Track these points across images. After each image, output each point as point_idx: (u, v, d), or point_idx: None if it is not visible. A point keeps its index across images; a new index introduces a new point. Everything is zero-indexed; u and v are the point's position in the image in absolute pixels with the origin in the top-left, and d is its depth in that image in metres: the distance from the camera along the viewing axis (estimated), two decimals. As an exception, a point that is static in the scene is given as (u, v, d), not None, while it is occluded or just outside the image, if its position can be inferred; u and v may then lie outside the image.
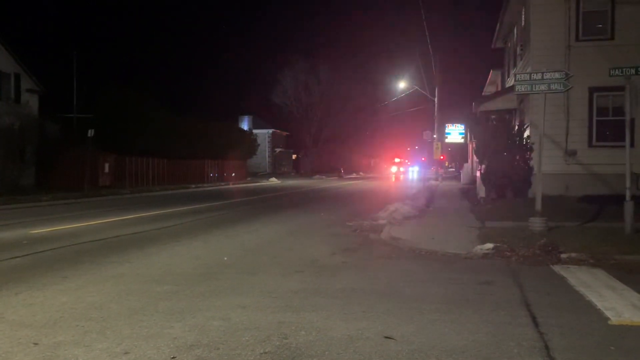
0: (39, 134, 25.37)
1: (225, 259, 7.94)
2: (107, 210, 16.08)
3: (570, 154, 15.24)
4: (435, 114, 38.81)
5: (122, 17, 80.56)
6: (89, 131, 25.01)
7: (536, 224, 9.82)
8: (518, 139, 15.56)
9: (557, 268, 7.16)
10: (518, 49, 18.91)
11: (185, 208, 16.97)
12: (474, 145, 20.31)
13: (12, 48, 25.39)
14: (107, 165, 28.09)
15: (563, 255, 7.65)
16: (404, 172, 72.78)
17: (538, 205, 10.11)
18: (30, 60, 27.09)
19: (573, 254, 7.65)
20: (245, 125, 61.34)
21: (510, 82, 20.58)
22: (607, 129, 15.19)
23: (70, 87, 35.01)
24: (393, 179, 50.90)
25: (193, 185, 34.21)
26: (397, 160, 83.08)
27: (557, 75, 10.28)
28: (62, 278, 6.51)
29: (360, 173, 69.54)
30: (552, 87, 10.25)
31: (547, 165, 13.44)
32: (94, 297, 5.61)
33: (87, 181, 25.11)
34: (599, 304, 5.35)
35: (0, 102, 23.87)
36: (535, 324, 4.71)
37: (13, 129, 23.40)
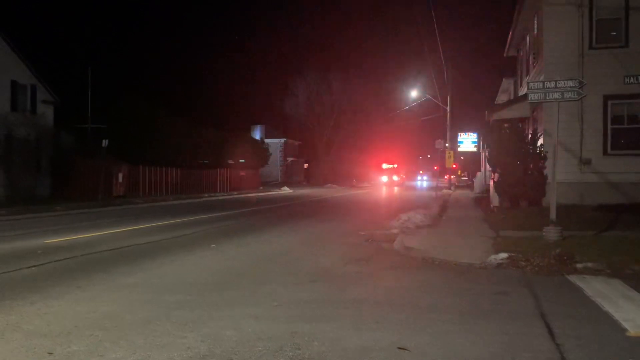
0: (54, 145, 25.69)
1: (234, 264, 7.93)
2: (120, 219, 16.18)
3: (585, 162, 15.08)
4: (448, 122, 38.70)
5: (135, 27, 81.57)
6: (103, 141, 25.27)
7: (551, 233, 9.71)
8: (531, 147, 15.45)
9: (573, 278, 7.07)
10: (531, 58, 18.83)
11: (197, 217, 17.03)
12: (487, 153, 20.22)
13: (29, 60, 25.79)
14: (120, 175, 28.32)
15: (579, 265, 7.55)
16: (402, 181, 63.68)
17: (552, 215, 10.00)
18: (45, 71, 27.51)
19: (589, 264, 7.54)
20: (257, 135, 61.61)
21: (523, 90, 20.47)
22: (623, 137, 15.03)
23: (84, 98, 35.41)
24: (384, 190, 43.67)
25: (206, 195, 34.36)
26: (387, 166, 65.57)
27: (570, 83, 10.20)
28: (76, 287, 6.55)
29: (372, 182, 69.37)
30: (566, 95, 10.17)
31: (562, 174, 13.32)
32: (107, 307, 5.63)
33: (101, 191, 25.33)
34: (617, 315, 5.26)
35: (17, 113, 24.22)
36: (552, 335, 4.64)
37: (29, 140, 23.73)
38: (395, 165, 65.61)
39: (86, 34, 70.90)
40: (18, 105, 24.99)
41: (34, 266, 8.04)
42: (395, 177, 62.82)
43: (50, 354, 4.22)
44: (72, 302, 5.87)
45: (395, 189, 48.96)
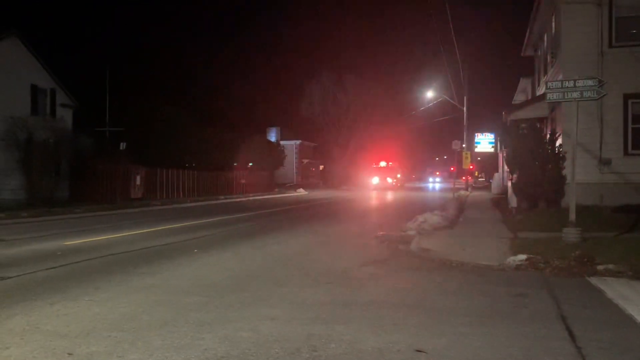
0: (73, 148, 26.01)
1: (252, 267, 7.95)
2: (138, 221, 16.33)
3: (605, 162, 14.85)
4: (465, 123, 38.44)
5: (154, 31, 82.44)
6: (121, 144, 25.56)
7: (570, 234, 9.57)
8: (550, 147, 15.26)
9: (593, 280, 6.96)
10: (549, 57, 18.61)
11: (214, 219, 17.11)
12: (505, 154, 20.00)
13: (48, 64, 26.18)
14: (138, 178, 28.60)
15: (599, 267, 7.42)
16: (399, 184, 53.12)
17: (572, 216, 9.86)
18: (63, 75, 27.86)
19: (610, 266, 7.42)
20: (273, 137, 61.80)
21: (541, 90, 20.24)
22: (644, 136, 14.76)
23: (102, 101, 35.85)
24: (374, 196, 35.55)
25: (222, 197, 34.54)
26: (382, 164, 54.26)
27: (590, 82, 10.05)
28: (95, 289, 6.61)
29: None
30: (585, 94, 10.02)
31: (581, 175, 13.12)
32: (125, 308, 5.68)
33: (119, 193, 25.63)
34: (639, 318, 5.17)
35: (37, 117, 24.57)
36: (572, 338, 4.57)
37: (48, 143, 24.06)
38: (390, 164, 54.19)
39: (104, 38, 71.82)
40: (38, 109, 25.38)
41: (53, 268, 8.14)
42: (389, 180, 51.51)
43: (70, 354, 4.26)
44: (90, 303, 5.92)
45: (389, 194, 38.14)
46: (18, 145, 22.83)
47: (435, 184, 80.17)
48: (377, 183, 51.44)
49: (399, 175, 55.01)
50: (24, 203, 21.96)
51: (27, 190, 23.02)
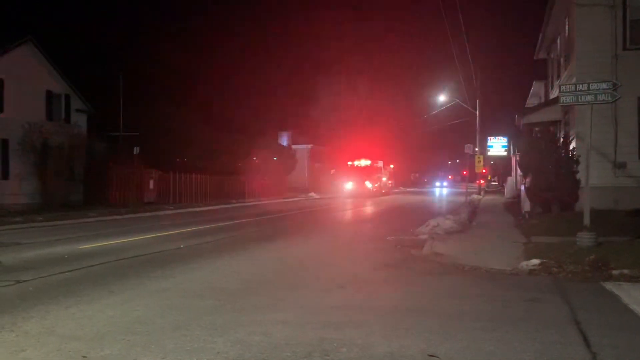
0: (87, 152, 26.31)
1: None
2: (151, 225, 16.45)
3: (619, 166, 14.69)
4: (477, 126, 38.26)
5: (164, 36, 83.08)
6: (135, 149, 25.80)
7: (584, 239, 9.47)
8: (563, 151, 15.14)
9: (608, 285, 6.88)
10: (562, 60, 18.48)
11: (226, 223, 17.19)
12: (518, 158, 19.88)
13: (63, 70, 26.51)
14: (151, 182, 28.83)
15: (614, 272, 7.34)
16: (381, 190, 41.05)
17: (586, 220, 9.76)
18: (78, 80, 28.21)
19: (625, 271, 7.33)
20: (284, 141, 61.90)
21: (554, 93, 20.10)
22: (659, 139, 14.59)
23: (115, 106, 36.21)
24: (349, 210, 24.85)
25: (234, 201, 34.67)
26: (357, 163, 41.15)
27: (604, 85, 9.96)
28: (109, 292, 6.67)
29: (400, 187, 68.97)
30: (599, 97, 9.93)
31: (595, 178, 12.99)
32: (139, 312, 5.72)
33: (133, 197, 25.83)
34: (655, 324, 5.11)
35: (52, 122, 24.90)
36: (587, 344, 4.52)
37: (63, 148, 24.36)
38: (369, 163, 41.12)
39: (118, 44, 72.54)
40: (53, 114, 25.71)
41: (68, 271, 8.22)
42: (368, 184, 38.97)
43: (85, 357, 4.31)
44: (105, 306, 5.98)
45: (369, 208, 26.63)
46: (34, 150, 23.16)
47: (442, 188, 72.91)
48: (350, 189, 39.25)
49: (384, 179, 43.19)
50: (40, 207, 22.25)
51: (43, 194, 23.32)
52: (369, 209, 26.27)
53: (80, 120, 27.54)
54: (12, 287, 7.07)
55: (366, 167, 40.92)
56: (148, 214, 23.07)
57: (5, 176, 22.80)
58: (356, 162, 41.51)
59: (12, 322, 5.31)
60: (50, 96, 25.68)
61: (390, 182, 47.29)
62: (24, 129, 22.74)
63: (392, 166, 51.14)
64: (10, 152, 22.90)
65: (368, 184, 39.18)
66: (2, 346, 4.61)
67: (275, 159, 44.49)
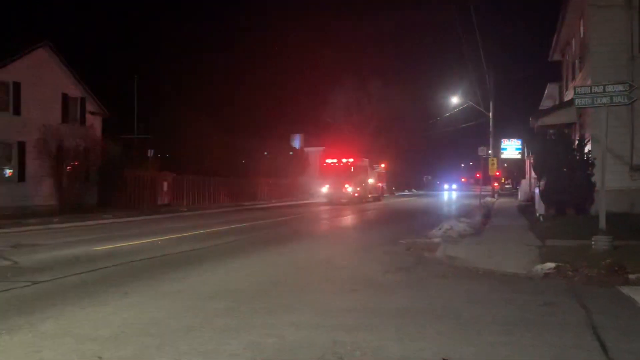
0: (102, 155, 26.56)
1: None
2: (165, 228, 16.55)
3: (636, 169, 14.51)
4: (491, 128, 38.00)
5: (178, 40, 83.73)
6: (149, 151, 26.00)
7: (600, 242, 9.36)
8: (578, 154, 14.99)
9: (625, 289, 6.78)
10: (577, 61, 18.31)
11: (239, 225, 17.24)
12: (532, 160, 19.71)
13: (78, 73, 26.79)
14: (165, 184, 29.03)
15: (631, 276, 7.24)
16: (367, 192, 35.46)
17: (602, 223, 9.64)
18: (92, 83, 28.46)
19: (642, 275, 7.23)
20: (297, 144, 61.99)
21: (568, 95, 19.90)
22: (676, 142, 14.39)
23: (130, 109, 36.56)
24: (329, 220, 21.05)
25: (247, 203, 34.79)
26: (330, 161, 35.29)
27: (620, 87, 9.84)
28: (123, 294, 6.73)
29: (413, 190, 68.72)
30: (615, 100, 9.81)
31: (611, 181, 12.83)
32: (153, 313, 5.76)
33: (147, 200, 26.01)
34: (673, 329, 5.03)
35: (68, 124, 25.16)
36: (604, 349, 4.46)
37: (78, 150, 24.60)
38: (351, 160, 34.81)
39: (133, 47, 73.21)
40: (69, 117, 25.98)
41: (83, 272, 8.30)
42: (349, 188, 33.19)
43: (100, 358, 4.34)
44: (119, 307, 6.03)
45: (349, 218, 21.97)
46: (49, 153, 23.41)
47: (451, 191, 71.10)
48: (326, 193, 34.18)
49: (370, 181, 36.81)
50: (55, 209, 22.49)
51: (58, 196, 23.57)
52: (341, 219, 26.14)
53: (95, 123, 27.77)
54: (29, 288, 7.15)
55: (346, 166, 34.31)
56: (162, 216, 23.22)
57: (22, 178, 23.08)
58: (331, 161, 35.21)
59: (29, 323, 5.37)
60: (65, 99, 25.95)
61: (380, 184, 41.60)
62: (40, 132, 23.01)
63: (382, 165, 44.32)
64: (26, 154, 23.18)
65: (348, 188, 33.32)
66: (19, 346, 4.67)
67: (287, 161, 44.49)
